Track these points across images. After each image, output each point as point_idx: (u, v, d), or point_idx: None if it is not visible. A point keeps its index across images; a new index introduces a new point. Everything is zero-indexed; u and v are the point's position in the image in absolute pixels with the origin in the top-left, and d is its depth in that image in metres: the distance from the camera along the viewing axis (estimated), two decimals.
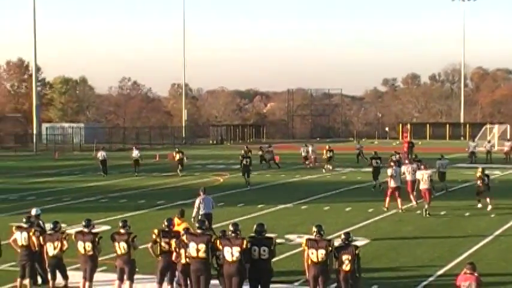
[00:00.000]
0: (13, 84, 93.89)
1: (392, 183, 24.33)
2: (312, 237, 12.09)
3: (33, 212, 14.68)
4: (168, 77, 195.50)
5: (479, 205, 24.89)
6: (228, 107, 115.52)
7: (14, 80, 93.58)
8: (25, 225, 13.63)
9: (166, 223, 12.97)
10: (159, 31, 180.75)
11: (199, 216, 18.44)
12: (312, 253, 11.84)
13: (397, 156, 31.46)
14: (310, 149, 45.05)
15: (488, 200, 24.67)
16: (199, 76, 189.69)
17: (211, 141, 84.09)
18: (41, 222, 14.43)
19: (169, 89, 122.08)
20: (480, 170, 25.37)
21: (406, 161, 25.80)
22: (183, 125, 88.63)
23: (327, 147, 41.75)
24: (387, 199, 24.49)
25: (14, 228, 13.84)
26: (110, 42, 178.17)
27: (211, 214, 18.69)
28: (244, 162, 33.28)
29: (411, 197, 24.98)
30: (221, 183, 35.00)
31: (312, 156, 44.53)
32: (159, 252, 12.77)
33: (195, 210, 18.44)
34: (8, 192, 30.74)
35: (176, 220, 14.38)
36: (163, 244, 12.70)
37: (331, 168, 40.08)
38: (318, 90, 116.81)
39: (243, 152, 36.26)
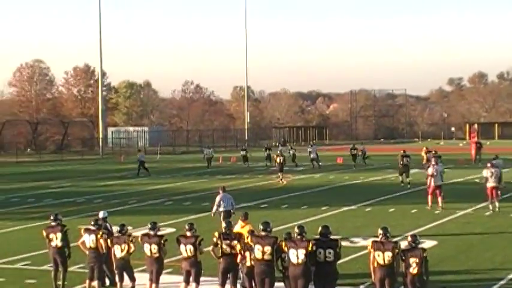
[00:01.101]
0: (80, 89, 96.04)
1: (433, 182, 24.59)
2: (378, 239, 11.94)
3: (101, 214, 14.95)
4: (230, 80, 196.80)
5: None
6: (291, 108, 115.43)
7: (80, 85, 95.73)
8: (93, 228, 13.88)
9: (225, 225, 13.01)
10: (221, 34, 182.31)
11: (221, 214, 19.46)
12: (378, 255, 11.70)
13: (431, 154, 32.00)
14: (311, 149, 46.22)
15: None
16: (261, 78, 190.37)
17: (274, 143, 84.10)
18: (108, 224, 14.64)
19: (231, 91, 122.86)
20: None
21: (433, 161, 25.95)
22: (246, 127, 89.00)
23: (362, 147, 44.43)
24: (429, 197, 24.78)
25: (82, 230, 14.11)
26: (173, 47, 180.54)
27: (230, 211, 19.50)
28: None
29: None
30: (284, 185, 34.97)
31: (312, 156, 45.41)
32: (220, 255, 12.82)
33: (215, 207, 19.50)
34: (76, 196, 31.45)
35: (240, 222, 14.41)
36: (224, 246, 12.74)
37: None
38: (382, 90, 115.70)
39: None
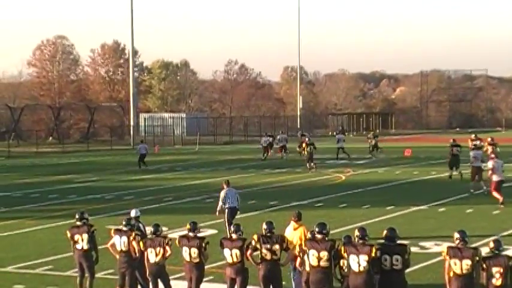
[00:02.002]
0: (108, 70, 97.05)
1: (494, 177, 25.42)
2: (454, 245, 11.81)
3: (133, 213, 15.09)
4: (280, 59, 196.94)
5: None
6: (350, 92, 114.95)
7: (109, 65, 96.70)
8: (125, 228, 13.99)
9: (266, 227, 12.98)
10: (269, 7, 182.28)
11: (226, 211, 19.73)
12: (455, 264, 11.57)
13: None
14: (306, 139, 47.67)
15: None
16: (316, 57, 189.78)
17: (330, 133, 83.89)
18: (140, 225, 14.75)
19: (281, 73, 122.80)
20: None
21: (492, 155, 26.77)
22: (298, 114, 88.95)
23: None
24: (497, 195, 25.37)
25: (112, 231, 14.24)
26: (214, 21, 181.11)
27: (236, 208, 19.85)
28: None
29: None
30: (343, 181, 34.92)
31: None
32: (259, 260, 12.82)
33: (220, 203, 19.89)
34: (104, 191, 31.86)
35: (292, 224, 14.40)
36: (264, 251, 12.72)
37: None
38: (458, 71, 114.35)
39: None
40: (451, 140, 35.07)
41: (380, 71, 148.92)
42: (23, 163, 49.54)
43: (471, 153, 29.76)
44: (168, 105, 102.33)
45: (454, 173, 33.42)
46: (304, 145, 40.97)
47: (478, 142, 38.17)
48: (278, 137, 50.51)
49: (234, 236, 12.99)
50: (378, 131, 55.36)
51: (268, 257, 12.70)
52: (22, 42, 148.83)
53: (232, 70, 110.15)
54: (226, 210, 20.00)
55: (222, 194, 20.08)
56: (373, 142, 48.75)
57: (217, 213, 20.18)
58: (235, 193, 20.28)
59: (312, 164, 39.27)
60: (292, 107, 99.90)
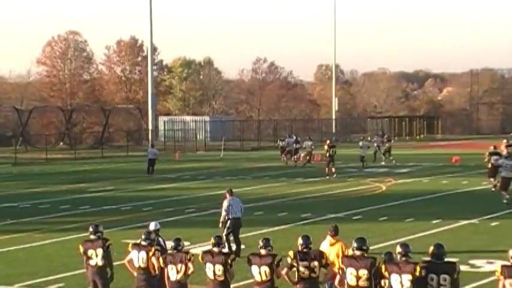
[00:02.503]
0: (124, 68, 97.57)
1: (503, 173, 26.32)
2: (509, 263, 11.71)
3: (152, 226, 15.13)
4: (314, 57, 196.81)
5: None
6: (391, 93, 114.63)
7: (125, 63, 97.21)
8: (143, 243, 14.03)
9: (302, 242, 12.96)
10: (302, 0, 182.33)
11: (227, 223, 20.06)
12: (511, 284, 11.47)
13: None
14: (310, 143, 51.02)
15: None
16: (353, 55, 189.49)
17: (369, 138, 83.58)
18: (160, 239, 14.80)
19: (315, 71, 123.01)
20: None
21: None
22: (333, 117, 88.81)
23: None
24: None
25: (130, 246, 14.29)
26: (240, 15, 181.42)
27: (240, 220, 20.13)
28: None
29: None
30: (383, 192, 34.82)
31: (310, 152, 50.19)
32: (296, 279, 12.78)
33: (223, 214, 20.35)
34: (120, 202, 32.00)
35: (329, 239, 14.36)
36: (301, 269, 12.69)
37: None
38: None
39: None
40: (491, 147, 34.63)
41: (424, 70, 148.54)
42: (31, 171, 49.92)
43: (502, 161, 29.94)
44: (190, 107, 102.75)
45: (492, 182, 33.31)
46: (326, 147, 41.93)
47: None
48: (286, 140, 52.78)
49: (262, 251, 12.96)
50: (389, 135, 55.39)
51: (306, 275, 12.67)
52: (31, 38, 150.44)
53: (261, 69, 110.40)
54: (229, 222, 20.29)
55: (225, 203, 20.43)
56: (386, 146, 49.44)
57: (220, 224, 20.51)
58: (239, 203, 20.61)
59: (333, 169, 40.82)
60: (326, 110, 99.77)
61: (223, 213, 20.45)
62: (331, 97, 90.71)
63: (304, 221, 25.98)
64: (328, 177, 40.16)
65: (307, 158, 50.98)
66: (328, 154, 41.19)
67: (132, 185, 39.17)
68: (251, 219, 26.65)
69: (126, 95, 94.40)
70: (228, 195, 20.67)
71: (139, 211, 29.13)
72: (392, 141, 51.76)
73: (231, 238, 20.31)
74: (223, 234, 19.87)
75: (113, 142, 76.12)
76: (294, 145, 50.86)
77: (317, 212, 27.80)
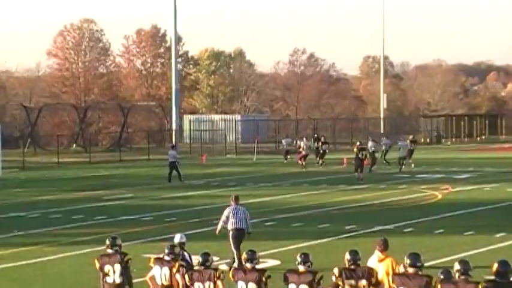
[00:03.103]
0: (145, 61, 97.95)
1: None
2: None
3: (177, 239, 15.14)
4: (359, 48, 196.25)
5: None
6: (448, 88, 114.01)
7: (146, 55, 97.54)
8: (167, 258, 14.05)
9: (349, 257, 12.91)
10: None
11: (230, 233, 20.22)
12: None
13: None
14: (302, 143, 52.08)
15: None
16: (404, 45, 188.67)
17: (422, 140, 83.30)
18: (186, 253, 14.82)
19: (360, 64, 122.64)
20: None
21: None
22: (381, 115, 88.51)
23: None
24: None
25: (151, 261, 14.32)
26: (275, 1, 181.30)
27: (244, 231, 20.25)
28: None
29: None
30: (439, 200, 34.69)
31: (303, 152, 51.29)
32: None
33: (221, 223, 20.73)
34: (140, 211, 32.06)
35: (377, 254, 14.30)
36: None
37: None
38: None
39: None
40: None
41: (486, 62, 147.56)
42: (41, 176, 50.20)
43: None
44: (218, 104, 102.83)
45: None
46: (355, 150, 43.86)
47: None
48: (283, 141, 57.03)
49: (301, 268, 12.92)
50: (413, 136, 54.97)
51: None
52: (40, 28, 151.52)
53: (299, 61, 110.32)
54: (231, 233, 20.42)
55: (226, 212, 20.69)
56: (410, 147, 49.66)
57: (217, 231, 20.89)
58: (243, 212, 20.72)
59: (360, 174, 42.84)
60: (374, 107, 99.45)
61: (220, 222, 20.78)
62: (379, 93, 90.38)
63: (348, 234, 25.88)
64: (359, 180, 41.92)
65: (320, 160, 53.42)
66: (357, 158, 42.97)
67: (153, 193, 39.26)
68: (288, 231, 26.67)
69: (147, 91, 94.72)
70: (232, 203, 20.85)
71: (161, 222, 29.18)
72: (416, 142, 51.68)
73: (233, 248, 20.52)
74: (231, 243, 20.14)
75: (132, 144, 76.24)
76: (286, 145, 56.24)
77: (363, 224, 27.70)
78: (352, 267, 12.83)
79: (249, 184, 42.50)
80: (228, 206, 21.06)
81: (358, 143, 45.48)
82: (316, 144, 55.81)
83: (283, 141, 58.99)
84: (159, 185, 42.71)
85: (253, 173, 49.14)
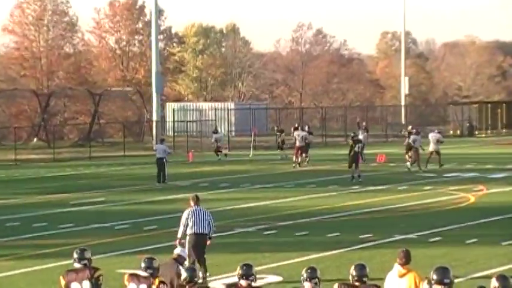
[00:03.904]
0: (120, 38, 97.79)
1: None
2: None
3: (177, 251, 15.31)
4: (376, 23, 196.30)
5: None
6: (482, 70, 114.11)
7: (121, 31, 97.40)
8: (144, 274, 14.04)
9: (355, 273, 12.91)
10: None
11: (188, 238, 20.48)
12: None
13: None
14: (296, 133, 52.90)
15: None
16: (429, 19, 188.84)
17: (451, 131, 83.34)
18: (182, 268, 14.98)
19: (377, 41, 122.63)
20: None
21: None
22: (402, 103, 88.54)
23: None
24: None
25: (126, 277, 14.32)
26: None
27: (205, 237, 20.44)
28: None
29: None
30: (472, 204, 34.79)
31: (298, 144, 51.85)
32: None
33: (181, 228, 21.01)
34: (114, 218, 32.06)
35: (398, 268, 14.34)
36: None
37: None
38: None
39: None
40: None
41: None
42: None
43: None
44: (208, 90, 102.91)
45: None
46: (351, 142, 45.10)
47: None
48: (214, 135, 58.96)
49: (306, 285, 12.94)
50: (413, 127, 54.89)
51: None
52: None
53: (304, 38, 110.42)
54: (188, 238, 20.58)
55: (185, 214, 20.90)
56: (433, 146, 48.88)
57: (177, 241, 20.82)
58: (205, 214, 20.87)
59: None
60: (393, 93, 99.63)
61: (181, 227, 20.91)
62: (400, 76, 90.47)
63: (363, 245, 25.95)
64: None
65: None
66: (352, 151, 43.87)
67: (130, 196, 39.25)
68: (291, 242, 26.68)
69: (122, 75, 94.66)
70: (192, 204, 21.05)
71: (139, 231, 29.16)
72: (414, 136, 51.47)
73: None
74: (187, 249, 20.04)
75: (104, 138, 76.24)
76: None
77: (381, 232, 27.73)
78: (357, 283, 12.83)
79: (244, 185, 42.49)
80: (189, 208, 21.10)
81: (352, 134, 46.79)
82: (280, 136, 58.48)
83: (213, 135, 59.77)
84: (137, 187, 42.72)
85: (249, 172, 49.15)
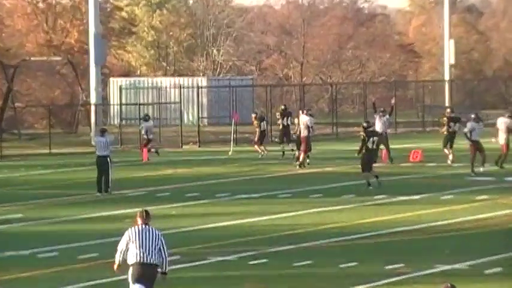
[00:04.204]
0: None
1: None
2: None
3: None
4: None
5: None
6: None
7: None
8: None
9: None
10: None
11: (130, 271, 20.40)
12: None
13: None
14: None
15: None
16: None
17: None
18: None
19: None
20: None
21: None
22: (446, 77, 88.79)
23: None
24: None
25: None
26: None
27: (155, 270, 20.42)
28: None
29: None
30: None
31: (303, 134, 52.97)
32: None
33: (119, 255, 21.00)
34: (35, 243, 32.16)
35: None
36: None
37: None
38: None
39: None
40: None
41: None
42: None
43: None
44: (169, 60, 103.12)
45: None
46: (362, 134, 44.37)
47: None
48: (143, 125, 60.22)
49: None
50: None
51: None
52: None
53: None
54: (131, 271, 20.39)
55: (125, 236, 20.78)
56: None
57: (115, 268, 21.05)
58: (155, 237, 20.69)
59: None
60: (433, 63, 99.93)
61: (118, 254, 20.82)
62: (442, 39, 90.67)
63: (391, 279, 26.01)
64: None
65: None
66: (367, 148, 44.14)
67: (58, 211, 39.40)
68: (288, 275, 26.74)
69: (46, 38, 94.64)
70: (139, 221, 20.88)
71: (72, 261, 29.23)
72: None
73: None
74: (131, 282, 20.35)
75: (21, 128, 76.34)
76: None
77: (415, 262, 27.86)
78: None
79: (221, 195, 42.63)
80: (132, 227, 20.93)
81: (365, 124, 45.53)
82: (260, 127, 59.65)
83: (143, 124, 60.73)
84: (69, 198, 42.80)
85: (228, 176, 49.38)
